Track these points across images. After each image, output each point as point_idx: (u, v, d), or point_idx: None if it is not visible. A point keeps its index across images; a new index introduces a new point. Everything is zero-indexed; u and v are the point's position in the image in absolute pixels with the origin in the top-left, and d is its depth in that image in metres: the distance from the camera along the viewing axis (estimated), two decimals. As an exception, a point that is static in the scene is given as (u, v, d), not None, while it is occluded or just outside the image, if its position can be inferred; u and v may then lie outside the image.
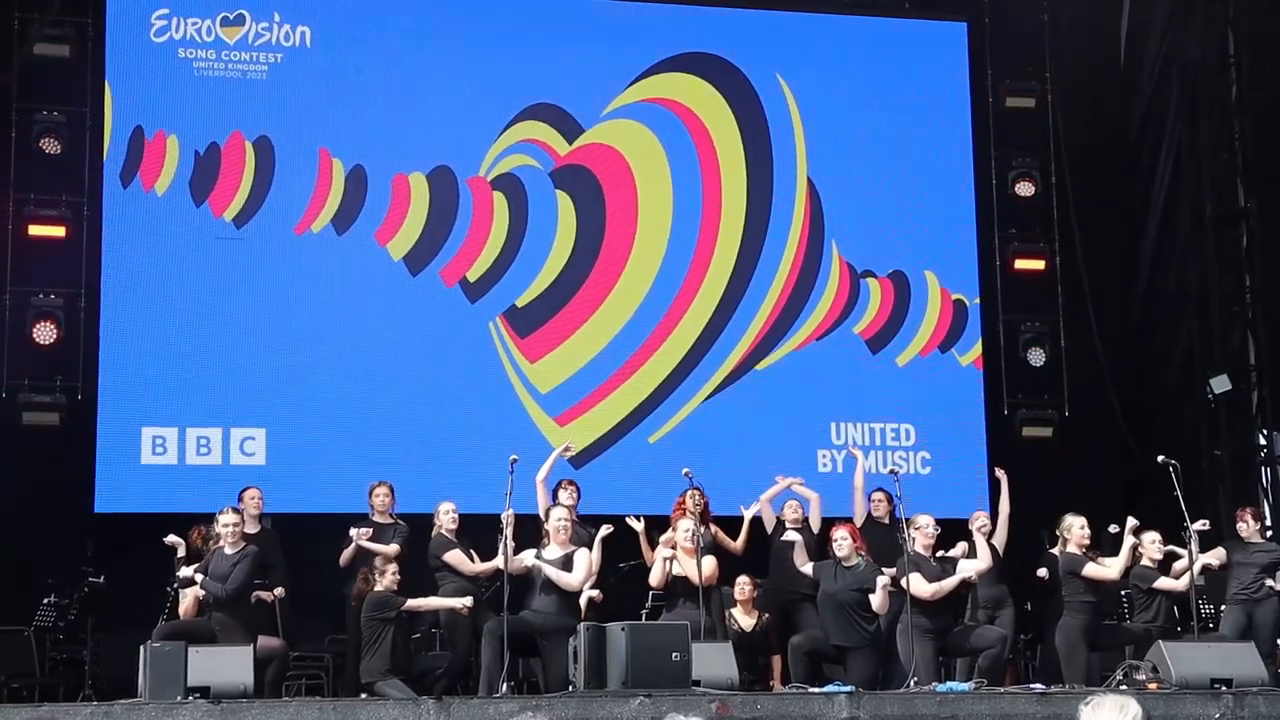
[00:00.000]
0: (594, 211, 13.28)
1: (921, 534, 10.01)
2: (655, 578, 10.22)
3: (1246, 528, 10.84)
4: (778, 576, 10.83)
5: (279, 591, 10.53)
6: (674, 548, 10.18)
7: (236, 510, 9.98)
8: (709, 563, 10.11)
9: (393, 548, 10.36)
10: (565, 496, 10.69)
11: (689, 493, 10.43)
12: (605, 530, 10.19)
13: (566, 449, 11.24)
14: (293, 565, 10.99)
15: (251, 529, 10.45)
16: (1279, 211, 14.24)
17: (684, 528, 10.12)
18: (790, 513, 10.96)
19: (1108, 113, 14.64)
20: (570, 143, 13.29)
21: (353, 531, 10.58)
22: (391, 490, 10.90)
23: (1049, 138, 14.18)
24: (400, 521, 10.82)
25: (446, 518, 10.45)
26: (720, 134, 13.58)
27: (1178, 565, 10.54)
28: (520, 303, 13.04)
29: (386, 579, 9.73)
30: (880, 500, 11.28)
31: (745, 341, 13.37)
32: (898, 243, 13.75)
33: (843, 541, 9.94)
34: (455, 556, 10.29)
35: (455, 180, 13.03)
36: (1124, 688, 9.09)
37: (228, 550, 9.64)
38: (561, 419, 12.90)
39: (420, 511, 11.01)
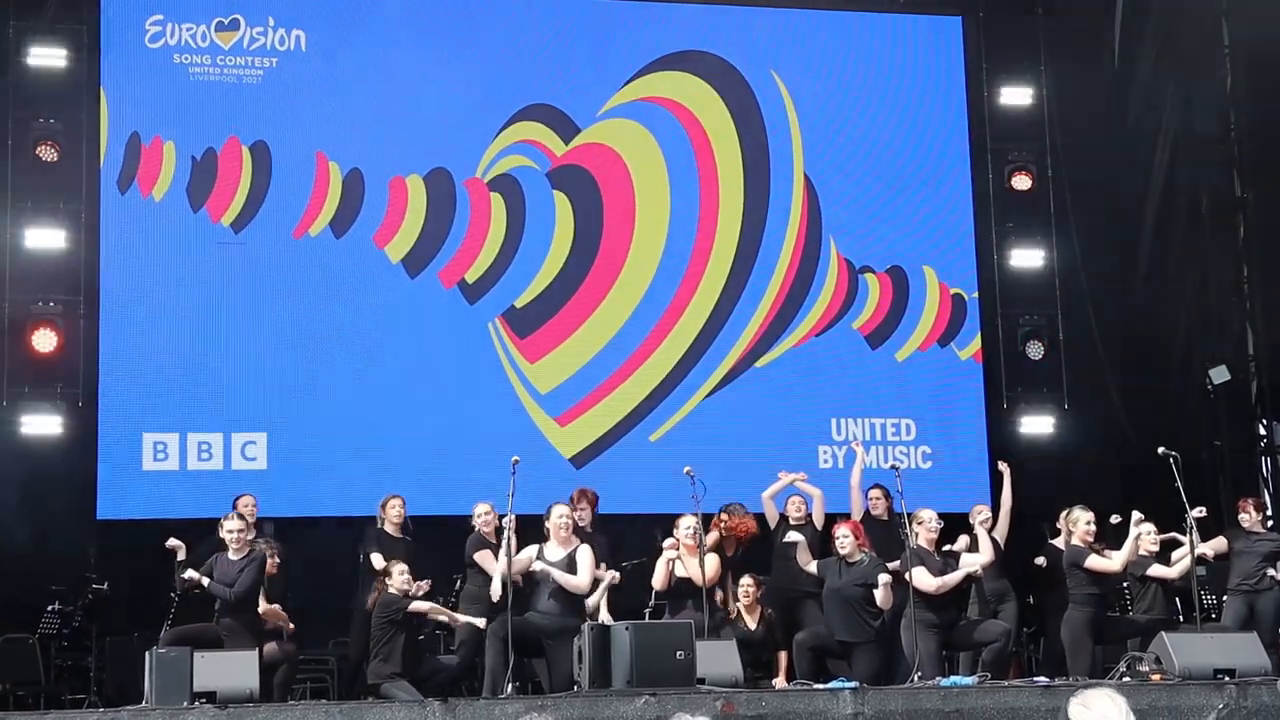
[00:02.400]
0: (591, 211, 13.28)
1: (924, 529, 10.02)
2: (658, 579, 10.21)
3: (1249, 518, 10.83)
4: (780, 574, 10.83)
5: (282, 615, 10.43)
6: (677, 547, 10.17)
7: (241, 516, 9.97)
8: (711, 561, 10.11)
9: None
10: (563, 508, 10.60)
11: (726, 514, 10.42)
12: (612, 578, 10.10)
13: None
14: (295, 569, 10.97)
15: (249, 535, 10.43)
16: (1276, 202, 14.26)
17: (685, 525, 10.09)
18: (793, 509, 10.96)
19: (1103, 104, 14.64)
20: (567, 143, 13.29)
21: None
22: (403, 503, 10.83)
23: (1045, 131, 14.19)
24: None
25: (481, 520, 10.43)
26: (716, 132, 13.59)
27: (1175, 554, 10.55)
28: (519, 303, 13.04)
29: (396, 582, 9.77)
30: (878, 498, 11.26)
31: (745, 338, 13.38)
32: (895, 238, 13.76)
33: (844, 539, 9.95)
34: (484, 557, 10.27)
35: (452, 182, 13.04)
36: (1127, 679, 9.12)
37: (232, 556, 9.64)
38: (562, 419, 12.91)
39: (422, 514, 11.03)
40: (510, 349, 12.95)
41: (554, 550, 9.73)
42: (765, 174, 13.63)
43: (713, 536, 10.35)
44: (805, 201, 13.67)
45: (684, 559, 10.04)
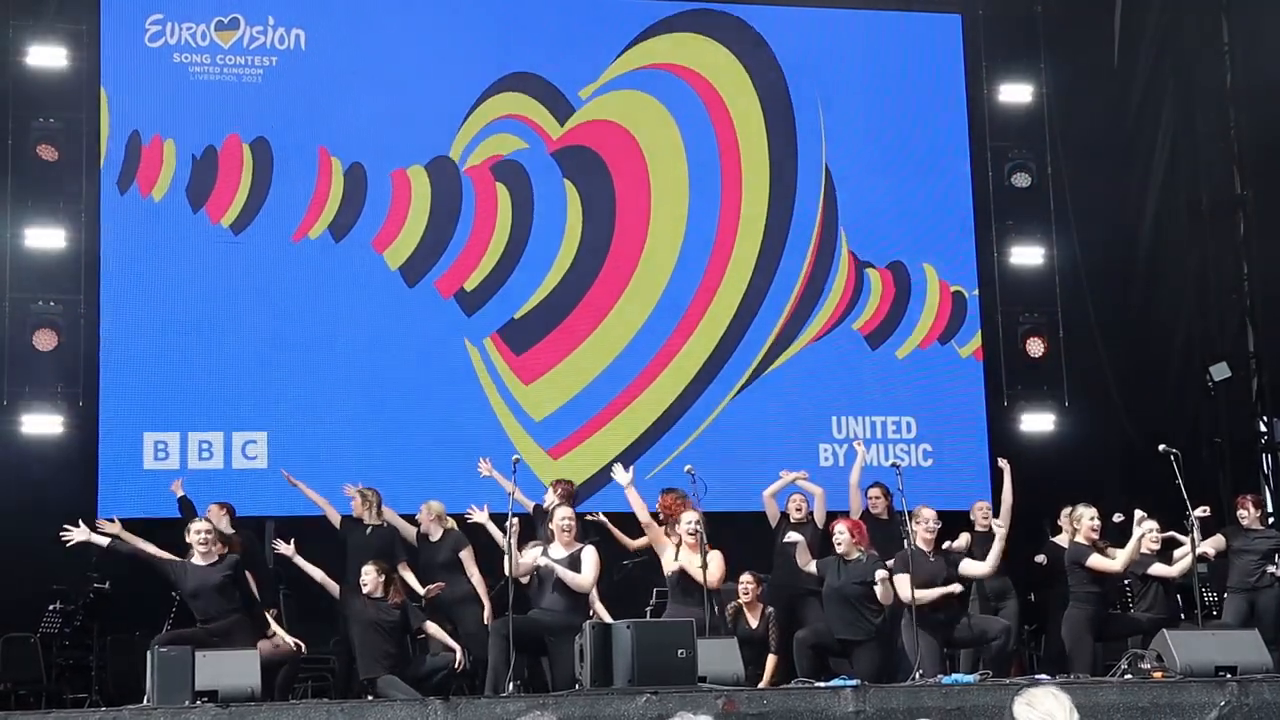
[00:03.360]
0: (600, 215, 13.15)
1: (923, 528, 9.99)
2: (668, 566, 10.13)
3: (1247, 515, 10.81)
4: (781, 573, 10.82)
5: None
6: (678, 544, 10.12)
7: (208, 519, 9.70)
8: (716, 563, 10.02)
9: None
10: (552, 496, 10.61)
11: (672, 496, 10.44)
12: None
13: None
14: (296, 568, 10.96)
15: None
16: (1275, 198, 14.26)
17: (687, 520, 10.03)
18: (794, 508, 10.95)
19: (1103, 102, 14.65)
20: (562, 124, 13.18)
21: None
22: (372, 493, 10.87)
23: (1045, 129, 14.20)
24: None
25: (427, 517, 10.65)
26: (738, 107, 13.40)
27: (1176, 553, 10.55)
28: (518, 315, 12.96)
29: (366, 584, 9.80)
30: (877, 497, 11.22)
31: (756, 359, 13.29)
32: (896, 235, 13.76)
33: (841, 536, 9.93)
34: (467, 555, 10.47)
35: (456, 171, 12.98)
36: (1129, 677, 9.12)
37: (199, 561, 9.29)
38: (554, 451, 12.78)
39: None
40: (499, 369, 12.83)
41: (558, 551, 9.72)
42: (792, 159, 13.49)
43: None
44: (824, 199, 13.63)
45: (684, 554, 9.99)
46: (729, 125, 13.47)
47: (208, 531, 9.38)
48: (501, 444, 12.53)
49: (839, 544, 9.89)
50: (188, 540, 9.42)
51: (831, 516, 10.69)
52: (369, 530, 10.66)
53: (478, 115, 13.05)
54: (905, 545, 9.89)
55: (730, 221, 13.40)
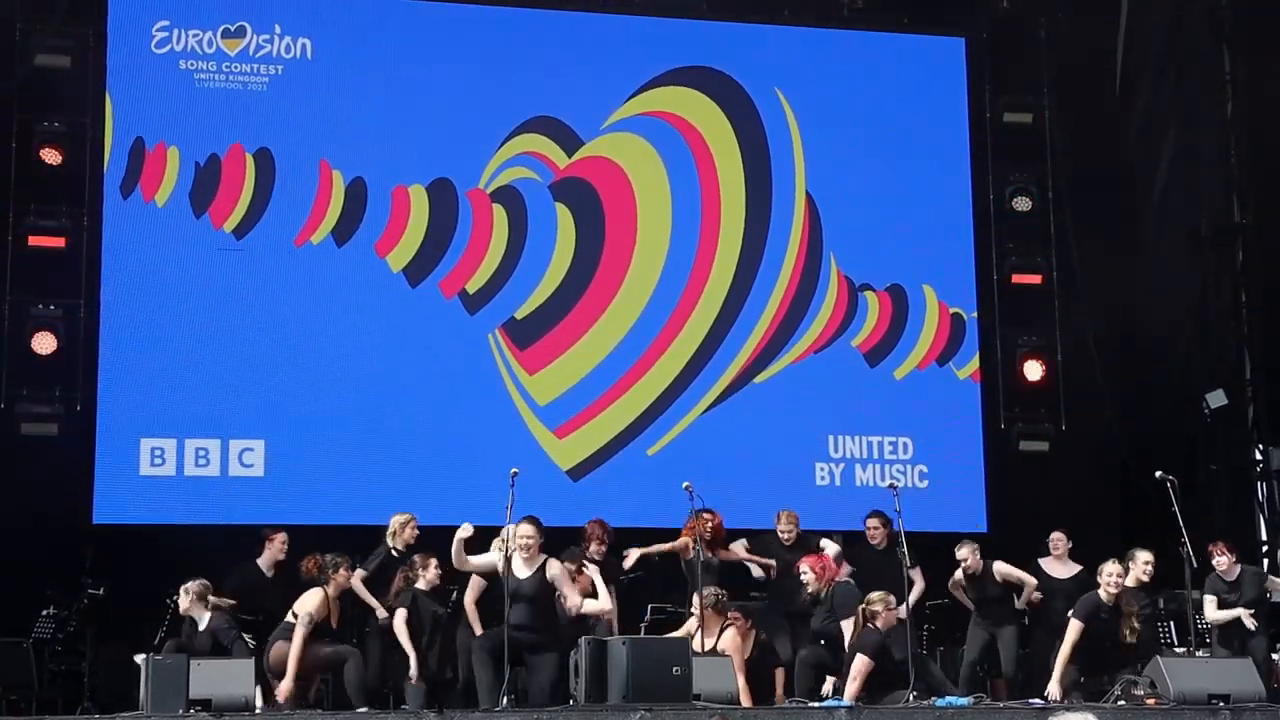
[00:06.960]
0: (593, 224, 13.29)
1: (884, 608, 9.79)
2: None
3: (1224, 561, 10.56)
4: (774, 596, 10.88)
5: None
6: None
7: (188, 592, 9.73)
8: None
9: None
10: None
11: (700, 515, 10.40)
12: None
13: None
14: (291, 576, 10.96)
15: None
16: (1274, 226, 14.30)
17: (710, 593, 9.99)
18: (781, 529, 11.02)
19: (1104, 127, 14.68)
20: (570, 155, 13.31)
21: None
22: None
23: (1046, 153, 14.22)
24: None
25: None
26: (719, 147, 13.61)
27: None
28: (519, 315, 13.04)
29: (429, 574, 9.89)
30: (876, 527, 11.21)
31: (744, 354, 13.37)
32: (896, 257, 13.77)
33: (807, 577, 9.96)
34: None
35: (455, 192, 13.04)
36: (1122, 703, 9.14)
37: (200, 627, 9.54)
38: (560, 431, 12.91)
39: (420, 523, 11.02)
40: (510, 360, 12.96)
41: (520, 568, 9.58)
42: (767, 190, 13.65)
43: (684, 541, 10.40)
44: (806, 218, 13.69)
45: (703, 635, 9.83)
46: (709, 159, 13.53)
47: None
48: (514, 429, 12.66)
49: (806, 584, 9.90)
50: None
51: (817, 535, 10.78)
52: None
53: (505, 150, 13.11)
54: (904, 571, 9.90)
55: (709, 245, 13.44)
